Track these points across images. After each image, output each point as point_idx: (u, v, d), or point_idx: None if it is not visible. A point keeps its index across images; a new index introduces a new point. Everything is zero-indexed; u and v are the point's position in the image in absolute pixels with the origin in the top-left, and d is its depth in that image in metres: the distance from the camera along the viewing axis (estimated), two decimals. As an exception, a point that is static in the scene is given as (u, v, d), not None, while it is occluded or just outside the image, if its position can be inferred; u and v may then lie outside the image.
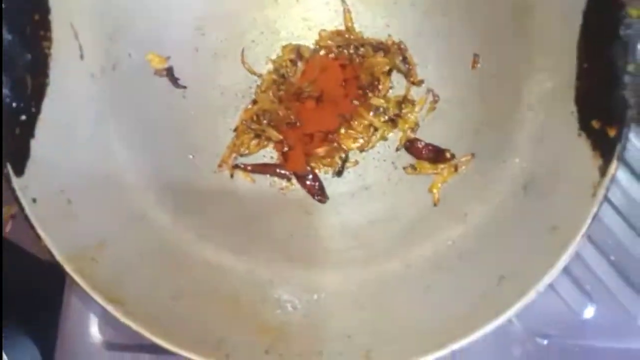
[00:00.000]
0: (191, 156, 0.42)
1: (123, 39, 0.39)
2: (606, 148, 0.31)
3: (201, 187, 0.42)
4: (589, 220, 0.30)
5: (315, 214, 0.43)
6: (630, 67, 0.31)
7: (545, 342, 0.43)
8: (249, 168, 0.43)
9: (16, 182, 0.31)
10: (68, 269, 0.31)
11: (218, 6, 0.43)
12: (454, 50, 0.42)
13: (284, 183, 0.43)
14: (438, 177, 0.41)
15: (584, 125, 0.33)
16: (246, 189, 0.43)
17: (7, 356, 0.42)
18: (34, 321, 0.48)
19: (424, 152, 0.42)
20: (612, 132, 0.31)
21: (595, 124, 0.32)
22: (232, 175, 0.43)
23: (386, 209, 0.42)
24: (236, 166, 0.43)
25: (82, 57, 0.36)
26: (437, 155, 0.42)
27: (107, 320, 0.44)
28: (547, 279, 0.31)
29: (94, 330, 0.44)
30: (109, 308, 0.31)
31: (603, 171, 0.31)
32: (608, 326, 0.45)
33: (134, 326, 0.31)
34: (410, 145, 0.43)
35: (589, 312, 0.45)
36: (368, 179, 0.44)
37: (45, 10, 0.34)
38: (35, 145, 0.33)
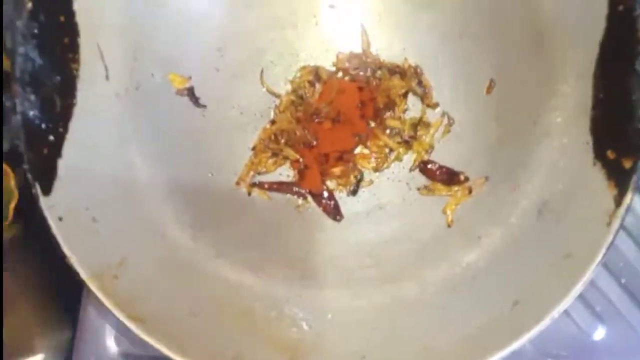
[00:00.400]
0: (210, 174, 0.43)
1: (146, 59, 0.40)
2: (621, 178, 0.32)
3: (219, 205, 0.42)
4: (604, 250, 0.31)
5: (330, 232, 0.44)
6: (646, 101, 0.31)
7: (556, 363, 0.44)
8: (266, 186, 0.44)
9: (43, 201, 0.32)
10: (93, 287, 0.32)
11: (238, 27, 0.44)
12: (470, 74, 0.43)
13: (300, 201, 0.44)
14: (452, 199, 0.42)
15: (599, 155, 0.34)
16: (263, 206, 0.44)
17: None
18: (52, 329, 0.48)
19: (437, 174, 0.43)
20: (627, 164, 0.31)
21: (610, 154, 0.33)
22: (249, 193, 0.43)
23: (400, 229, 0.43)
24: (254, 184, 0.44)
25: (107, 77, 0.37)
26: (450, 178, 0.42)
27: (123, 331, 0.45)
28: (562, 306, 0.31)
29: (110, 342, 0.45)
30: (131, 326, 0.32)
31: (618, 201, 0.31)
32: (618, 348, 0.45)
33: (154, 344, 0.31)
34: (424, 167, 0.44)
35: (599, 333, 0.45)
36: (383, 198, 0.44)
37: (74, 34, 0.35)
38: (63, 164, 0.34)
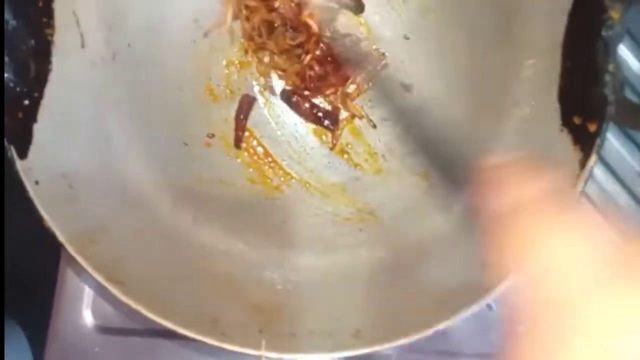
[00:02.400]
0: (186, 144, 0.43)
1: (122, 29, 0.39)
2: (586, 142, 0.33)
3: (196, 174, 0.43)
4: (568, 210, 0.32)
5: (308, 201, 0.44)
6: (611, 67, 0.33)
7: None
8: (240, 133, 0.44)
9: (20, 164, 0.32)
10: (70, 250, 0.32)
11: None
12: (442, 49, 0.44)
13: (279, 178, 0.45)
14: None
15: (566, 121, 0.35)
16: (240, 178, 0.44)
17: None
18: (23, 308, 0.48)
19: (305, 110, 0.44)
20: (592, 127, 0.33)
21: (576, 119, 0.34)
22: (237, 146, 0.44)
23: (375, 199, 0.44)
24: (236, 141, 0.44)
25: (83, 45, 0.37)
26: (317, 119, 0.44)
27: (100, 304, 0.45)
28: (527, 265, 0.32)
29: (87, 314, 0.45)
30: (110, 287, 0.32)
31: (582, 164, 0.33)
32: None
33: (133, 305, 0.32)
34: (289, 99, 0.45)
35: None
36: (358, 170, 0.45)
37: (49, -3, 0.34)
38: (38, 129, 0.33)
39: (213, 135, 0.44)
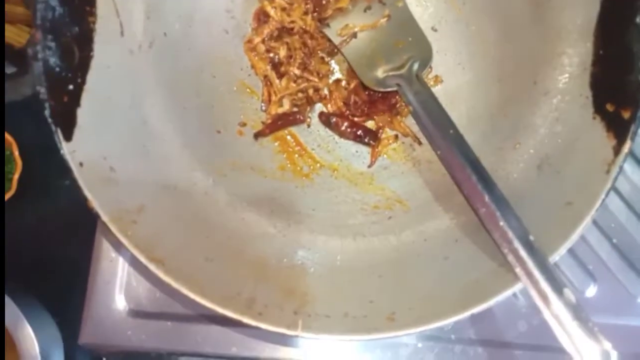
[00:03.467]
0: (219, 132, 0.44)
1: (159, 19, 0.40)
2: (620, 129, 0.33)
3: (228, 161, 0.43)
4: (603, 196, 0.33)
5: (336, 190, 0.45)
6: (645, 53, 0.33)
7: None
8: (267, 131, 0.45)
9: (65, 146, 0.33)
10: (113, 229, 0.33)
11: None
12: (472, 38, 0.44)
13: (309, 167, 0.45)
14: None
15: (599, 108, 0.35)
16: (271, 166, 0.45)
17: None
18: (53, 295, 0.49)
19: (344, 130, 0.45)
20: (626, 114, 0.33)
21: (609, 107, 0.34)
22: (256, 137, 0.44)
23: (404, 188, 0.44)
24: (257, 134, 0.45)
25: (122, 33, 0.38)
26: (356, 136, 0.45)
27: (132, 288, 0.46)
28: (562, 250, 0.33)
29: (120, 299, 0.46)
30: (151, 267, 0.33)
31: (617, 150, 0.33)
32: (609, 304, 0.47)
33: (173, 284, 0.33)
34: (326, 120, 0.45)
35: (591, 290, 0.48)
36: (387, 159, 0.46)
37: (91, -14, 0.35)
38: (81, 113, 0.34)
39: (245, 124, 0.45)
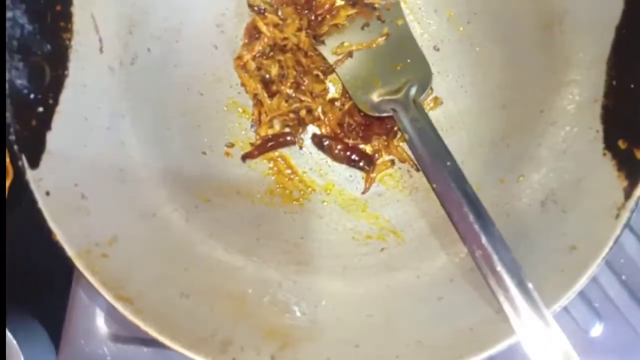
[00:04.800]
0: (203, 153, 0.42)
1: (142, 33, 0.38)
2: (633, 170, 0.31)
3: (213, 185, 0.41)
4: (610, 243, 0.30)
5: (327, 217, 0.43)
6: (662, 88, 0.30)
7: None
8: (256, 153, 0.42)
9: (30, 174, 0.31)
10: (79, 265, 0.30)
11: (238, 4, 0.43)
12: (476, 60, 0.42)
13: (299, 191, 0.43)
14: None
15: (610, 145, 0.33)
16: (259, 189, 0.43)
17: (16, 340, 0.42)
18: (43, 304, 0.48)
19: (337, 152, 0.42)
20: (639, 154, 0.30)
21: (621, 144, 0.32)
22: (243, 159, 0.42)
23: (398, 217, 0.42)
24: (245, 156, 0.43)
25: (101, 50, 0.36)
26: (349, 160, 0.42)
27: (112, 313, 0.44)
28: (563, 302, 0.30)
29: (100, 322, 0.44)
30: (118, 306, 0.31)
31: (628, 193, 0.30)
32: (615, 344, 0.45)
33: (142, 325, 0.30)
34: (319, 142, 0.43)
35: (596, 330, 0.45)
36: (381, 185, 0.43)
37: (67, 1, 0.33)
38: (51, 137, 0.32)
39: (232, 145, 0.43)
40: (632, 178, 0.30)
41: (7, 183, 0.46)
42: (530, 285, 0.30)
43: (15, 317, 0.42)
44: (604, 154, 0.33)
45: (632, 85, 0.31)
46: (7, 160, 0.46)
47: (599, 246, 0.30)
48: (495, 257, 0.31)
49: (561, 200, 0.34)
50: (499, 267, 0.31)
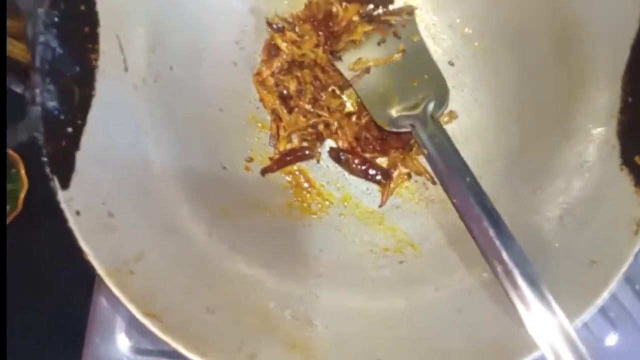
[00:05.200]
0: (224, 167, 0.42)
1: (165, 52, 0.39)
2: (650, 185, 0.31)
3: (233, 199, 0.42)
4: (630, 259, 0.30)
5: (345, 230, 0.43)
6: (678, 106, 0.31)
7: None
8: (275, 167, 0.43)
9: (62, 195, 0.31)
10: (109, 283, 0.31)
11: (257, 21, 0.43)
12: (490, 75, 0.42)
13: (317, 204, 0.43)
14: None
15: (627, 160, 0.33)
16: (277, 203, 0.43)
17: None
18: (64, 315, 0.48)
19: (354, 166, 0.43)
20: (656, 170, 0.31)
21: (638, 159, 0.32)
22: (262, 174, 0.43)
23: (417, 230, 0.42)
24: (265, 170, 0.43)
25: (126, 69, 0.37)
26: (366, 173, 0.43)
27: (134, 326, 0.45)
28: (585, 316, 0.31)
29: (121, 336, 0.45)
30: (148, 323, 0.31)
31: (646, 209, 0.31)
32: (630, 353, 0.45)
33: (172, 342, 0.31)
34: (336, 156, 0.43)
35: (611, 339, 0.45)
36: (399, 197, 0.44)
37: (95, 23, 0.34)
38: (80, 157, 0.33)
39: (252, 159, 0.43)
40: (649, 194, 0.31)
41: (22, 194, 0.47)
42: (552, 300, 0.31)
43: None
44: (621, 169, 0.33)
45: (647, 103, 0.32)
46: (22, 171, 0.47)
47: (618, 261, 0.31)
48: (516, 272, 0.32)
49: (579, 214, 0.35)
50: (520, 282, 0.32)
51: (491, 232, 0.33)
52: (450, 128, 0.43)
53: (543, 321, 0.31)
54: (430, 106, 0.40)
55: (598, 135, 0.35)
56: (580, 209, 0.35)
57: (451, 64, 0.43)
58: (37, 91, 0.31)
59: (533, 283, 0.31)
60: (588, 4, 0.36)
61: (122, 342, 0.45)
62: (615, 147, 0.34)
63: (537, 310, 0.31)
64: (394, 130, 0.41)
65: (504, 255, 0.32)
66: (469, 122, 0.43)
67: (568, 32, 0.37)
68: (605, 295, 0.30)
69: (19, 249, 0.45)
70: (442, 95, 0.41)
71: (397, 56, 0.42)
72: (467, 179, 0.35)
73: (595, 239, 0.33)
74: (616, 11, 0.34)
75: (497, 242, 0.33)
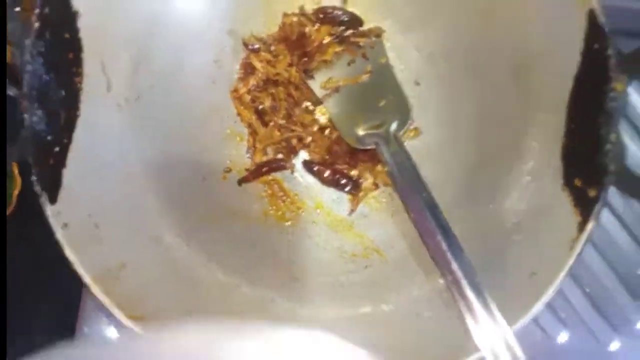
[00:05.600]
0: (204, 179, 0.45)
1: (146, 72, 0.41)
2: (586, 207, 0.34)
3: (212, 209, 0.45)
4: (565, 272, 0.34)
5: (316, 237, 0.46)
6: (612, 137, 0.34)
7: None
8: (251, 177, 0.46)
9: (50, 209, 0.34)
10: (95, 289, 0.34)
11: (234, 43, 0.46)
12: (453, 95, 0.45)
13: (291, 212, 0.46)
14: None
15: (568, 181, 0.36)
16: (254, 211, 0.46)
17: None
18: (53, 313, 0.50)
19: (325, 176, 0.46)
20: (592, 193, 0.34)
21: (577, 182, 0.36)
22: (239, 184, 0.46)
23: (381, 237, 0.46)
24: (241, 180, 0.46)
25: (109, 89, 0.39)
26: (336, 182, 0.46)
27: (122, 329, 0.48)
28: (525, 320, 0.34)
29: (111, 331, 0.48)
30: (130, 324, 0.34)
31: (581, 228, 0.34)
32: (580, 351, 0.49)
33: (151, 344, 0.34)
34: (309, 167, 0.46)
35: (562, 337, 0.49)
36: (367, 207, 0.47)
37: (78, 49, 0.36)
38: (67, 174, 0.36)
39: (230, 170, 0.46)
40: (585, 214, 0.34)
41: (15, 192, 0.49)
42: (494, 307, 0.34)
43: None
44: (563, 190, 0.36)
45: (585, 131, 0.35)
46: (16, 171, 0.49)
47: (555, 273, 0.34)
48: (464, 282, 0.35)
49: (525, 230, 0.38)
50: (467, 291, 0.35)
51: (443, 245, 0.36)
52: (415, 144, 0.46)
53: (486, 326, 0.34)
54: (393, 126, 0.43)
55: (545, 156, 0.39)
56: (527, 223, 0.38)
57: (417, 83, 0.46)
58: (26, 115, 0.33)
59: (478, 292, 0.35)
60: (540, 38, 0.39)
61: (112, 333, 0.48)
62: (559, 169, 0.37)
63: (481, 316, 0.34)
64: (360, 147, 0.44)
65: (454, 266, 0.36)
66: (432, 139, 0.46)
67: (523, 61, 0.40)
68: (540, 305, 0.34)
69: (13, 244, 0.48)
70: (404, 116, 0.44)
71: (365, 77, 0.45)
72: (424, 194, 0.38)
73: (537, 253, 0.37)
74: (563, 44, 0.37)
75: (448, 254, 0.36)
